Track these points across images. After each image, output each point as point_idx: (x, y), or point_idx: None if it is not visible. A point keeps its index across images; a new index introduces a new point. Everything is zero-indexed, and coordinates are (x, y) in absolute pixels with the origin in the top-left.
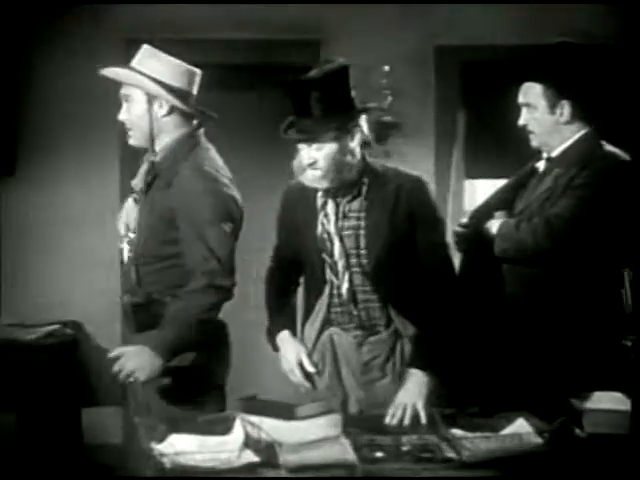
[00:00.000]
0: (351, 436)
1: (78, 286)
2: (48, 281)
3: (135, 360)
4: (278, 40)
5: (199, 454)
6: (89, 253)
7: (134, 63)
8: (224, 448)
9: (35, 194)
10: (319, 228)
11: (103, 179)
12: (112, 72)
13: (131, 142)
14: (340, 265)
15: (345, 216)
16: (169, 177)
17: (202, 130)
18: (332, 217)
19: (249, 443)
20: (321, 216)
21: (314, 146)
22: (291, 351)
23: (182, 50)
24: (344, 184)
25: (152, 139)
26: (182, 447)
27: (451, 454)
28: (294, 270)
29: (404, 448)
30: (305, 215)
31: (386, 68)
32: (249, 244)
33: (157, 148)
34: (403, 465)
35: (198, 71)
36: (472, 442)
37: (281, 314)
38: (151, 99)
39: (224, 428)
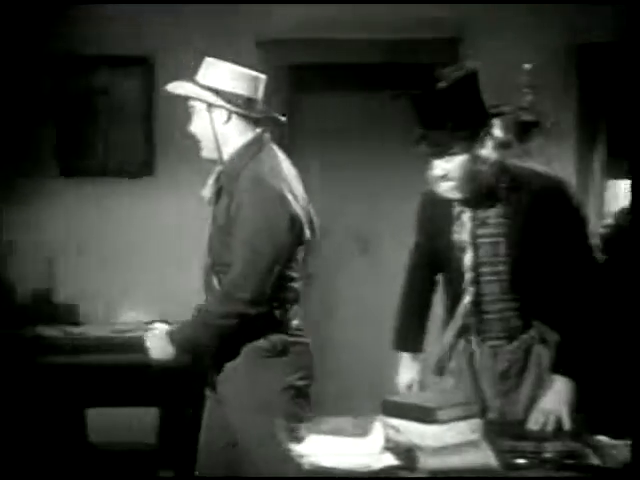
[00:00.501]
0: (492, 442)
1: None
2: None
3: (152, 339)
4: (414, 39)
5: (338, 456)
6: None
7: (198, 76)
8: (363, 451)
9: (172, 195)
10: (454, 237)
11: None
12: (171, 87)
13: (203, 154)
14: (475, 274)
15: (483, 223)
16: (231, 186)
17: (267, 135)
18: (467, 225)
19: (388, 446)
20: (456, 225)
21: (445, 157)
22: (404, 376)
23: (314, 50)
24: (480, 192)
25: (219, 148)
26: (321, 449)
27: (596, 461)
28: (432, 270)
29: (547, 455)
30: (441, 223)
31: (527, 66)
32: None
33: (225, 157)
34: (546, 472)
35: (262, 76)
36: (618, 449)
37: (409, 329)
38: (211, 108)
39: (363, 430)
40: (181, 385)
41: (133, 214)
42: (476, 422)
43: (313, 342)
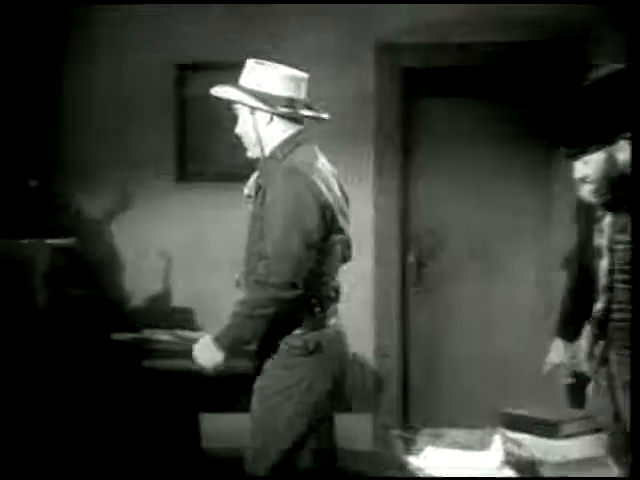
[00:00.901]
0: (617, 457)
1: None
2: None
3: (200, 349)
4: (537, 41)
5: (456, 469)
6: None
7: (240, 79)
8: (482, 464)
9: None
10: (595, 241)
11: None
12: (215, 90)
13: (248, 154)
14: (609, 280)
15: (622, 229)
16: (266, 179)
17: (306, 133)
18: (607, 230)
19: (508, 460)
20: (596, 229)
21: (584, 159)
22: (554, 356)
23: (432, 54)
24: (618, 195)
25: (262, 148)
26: (439, 461)
27: None
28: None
29: None
30: (585, 226)
31: None
32: None
33: (267, 154)
34: None
35: (304, 75)
36: None
37: (568, 321)
38: (254, 111)
39: (481, 443)
40: None
41: (239, 222)
42: (602, 437)
43: (430, 352)
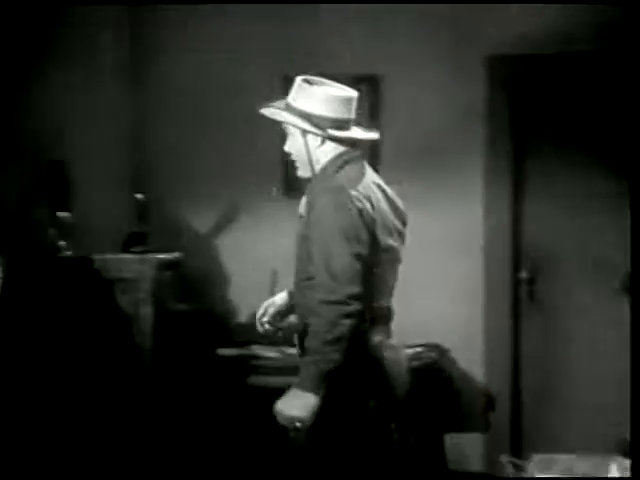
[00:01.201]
0: None
1: (441, 310)
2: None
3: (288, 405)
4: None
5: None
6: (451, 278)
7: (289, 98)
8: None
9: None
10: None
11: (465, 202)
12: (265, 111)
13: (298, 174)
14: None
15: None
16: (313, 198)
17: (355, 153)
18: None
19: None
20: None
21: None
22: None
23: (538, 65)
24: None
25: (313, 168)
26: None
27: None
28: None
29: None
30: None
31: None
32: None
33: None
34: None
35: (354, 94)
36: None
37: None
38: (305, 133)
39: (597, 471)
40: None
41: None
42: None
43: (542, 370)
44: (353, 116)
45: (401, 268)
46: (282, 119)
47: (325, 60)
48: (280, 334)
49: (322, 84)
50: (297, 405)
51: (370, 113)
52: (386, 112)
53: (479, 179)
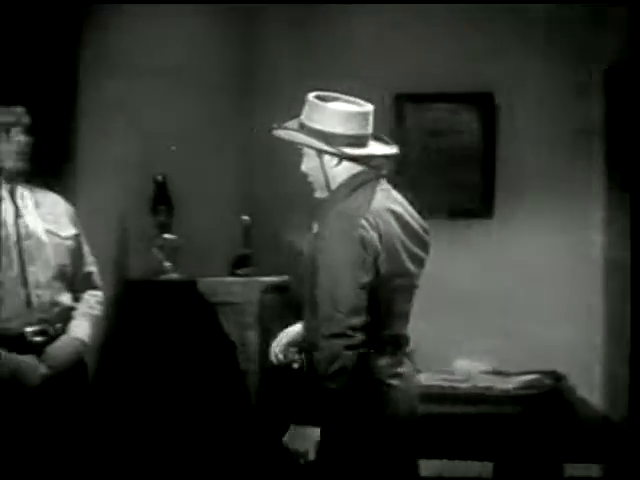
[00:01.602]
0: None
1: (559, 337)
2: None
3: (291, 439)
4: None
5: None
6: (570, 305)
7: (302, 116)
8: None
9: (511, 238)
10: None
11: (585, 228)
12: (277, 132)
13: (316, 195)
14: None
15: None
16: (320, 223)
17: (371, 173)
18: None
19: None
20: None
21: None
22: None
23: None
24: None
25: (329, 189)
26: None
27: None
28: None
29: None
30: None
31: None
32: None
33: None
34: None
35: (370, 108)
36: None
37: None
38: (320, 152)
39: None
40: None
41: (472, 257)
42: None
43: None
44: (370, 131)
45: (521, 295)
46: (296, 140)
47: (439, 77)
48: (295, 366)
49: (336, 100)
50: (298, 438)
51: (484, 131)
52: (502, 132)
53: (599, 204)
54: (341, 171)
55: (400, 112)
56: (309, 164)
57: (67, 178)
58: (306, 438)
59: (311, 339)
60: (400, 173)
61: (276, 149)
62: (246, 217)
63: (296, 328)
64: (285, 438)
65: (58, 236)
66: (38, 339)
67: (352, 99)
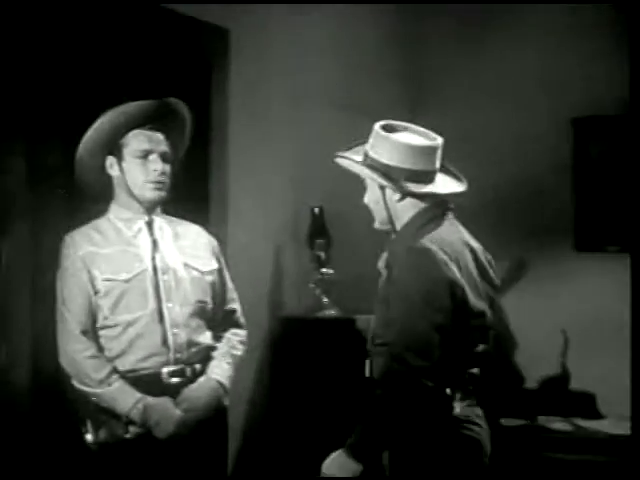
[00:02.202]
0: None
1: None
2: None
3: (331, 465)
4: None
5: None
6: None
7: (367, 146)
8: None
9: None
10: None
11: None
12: (342, 162)
13: (376, 225)
14: None
15: None
16: (394, 257)
17: (439, 209)
18: None
19: None
20: None
21: None
22: None
23: None
24: None
25: (392, 222)
26: None
27: None
28: None
29: None
30: None
31: None
32: None
33: (398, 228)
34: None
35: (438, 143)
36: None
37: None
38: (383, 186)
39: None
40: None
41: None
42: None
43: None
44: (437, 167)
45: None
46: (357, 172)
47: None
48: None
49: (404, 130)
50: (335, 467)
51: None
52: None
53: None
54: (406, 206)
55: (580, 138)
56: (372, 196)
57: (218, 212)
58: (345, 469)
59: (380, 377)
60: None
61: None
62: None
63: None
64: (325, 462)
65: (198, 270)
66: (174, 380)
67: (422, 130)
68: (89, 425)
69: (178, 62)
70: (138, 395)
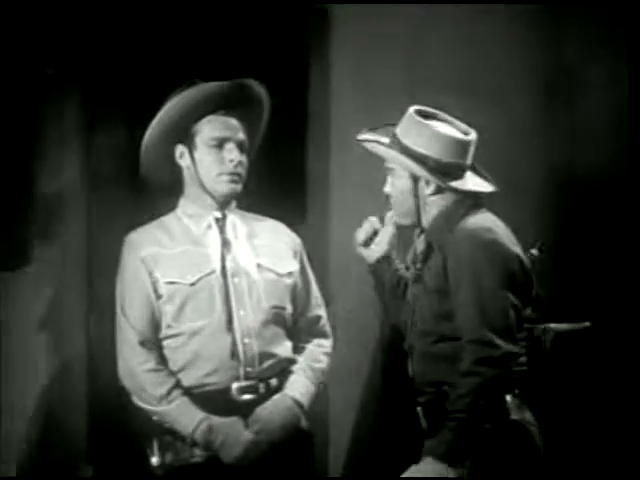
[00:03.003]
0: None
1: None
2: None
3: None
4: None
5: None
6: None
7: (398, 130)
8: None
9: None
10: None
11: None
12: (370, 145)
13: (395, 220)
14: None
15: None
16: (442, 242)
17: (471, 201)
18: None
19: None
20: None
21: None
22: None
23: None
24: None
25: (418, 215)
26: None
27: None
28: None
29: None
30: None
31: None
32: None
33: (424, 222)
34: None
35: (472, 137)
36: None
37: None
38: (416, 176)
39: None
40: None
41: None
42: None
43: None
44: (469, 161)
45: None
46: (391, 159)
47: None
48: None
49: (441, 120)
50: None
51: None
52: None
53: None
54: (436, 201)
55: None
56: (398, 187)
57: (317, 208)
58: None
59: (441, 376)
60: None
61: None
62: (534, 251)
63: None
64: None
65: (274, 272)
66: (245, 397)
67: (455, 121)
68: (155, 447)
69: (270, 45)
70: (201, 415)
